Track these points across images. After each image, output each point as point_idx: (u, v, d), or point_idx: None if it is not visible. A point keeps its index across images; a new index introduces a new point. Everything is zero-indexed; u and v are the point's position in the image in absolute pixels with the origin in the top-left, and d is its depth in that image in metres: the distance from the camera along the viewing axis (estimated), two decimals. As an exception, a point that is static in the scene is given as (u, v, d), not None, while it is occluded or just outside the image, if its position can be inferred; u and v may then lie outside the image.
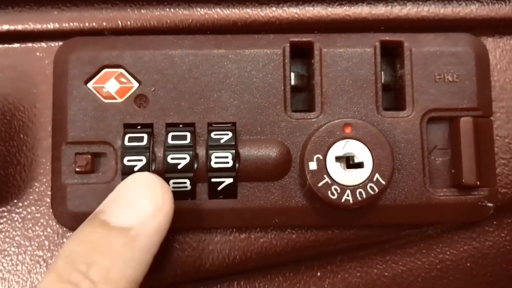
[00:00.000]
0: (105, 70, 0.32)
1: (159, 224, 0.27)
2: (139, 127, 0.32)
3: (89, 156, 0.32)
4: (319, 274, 0.34)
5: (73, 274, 0.24)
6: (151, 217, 0.27)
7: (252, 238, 0.33)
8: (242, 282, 0.34)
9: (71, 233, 0.32)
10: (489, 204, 0.33)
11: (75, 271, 0.24)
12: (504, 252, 0.34)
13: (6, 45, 0.34)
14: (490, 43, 0.35)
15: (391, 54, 0.34)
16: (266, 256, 0.33)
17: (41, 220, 0.33)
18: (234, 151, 0.31)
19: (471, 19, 0.34)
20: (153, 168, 0.31)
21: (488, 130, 0.33)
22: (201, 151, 0.31)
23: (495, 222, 0.35)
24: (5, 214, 0.33)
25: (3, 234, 0.33)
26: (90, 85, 0.32)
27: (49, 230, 0.33)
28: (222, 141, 0.31)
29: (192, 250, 0.32)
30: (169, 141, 0.31)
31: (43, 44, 0.34)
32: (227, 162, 0.31)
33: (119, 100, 0.32)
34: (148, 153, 0.31)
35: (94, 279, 0.24)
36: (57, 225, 0.33)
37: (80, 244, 0.26)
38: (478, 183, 0.32)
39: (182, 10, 0.33)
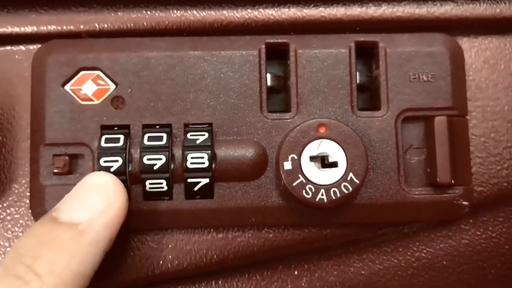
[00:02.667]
0: (82, 72, 0.32)
1: (109, 219, 0.28)
2: (115, 128, 0.32)
3: (66, 157, 0.32)
4: (296, 272, 0.34)
5: (18, 267, 0.25)
6: (101, 213, 0.28)
7: (229, 237, 0.33)
8: (220, 281, 0.34)
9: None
10: (464, 203, 0.33)
11: (20, 264, 0.25)
12: (480, 250, 0.35)
13: (-16, 49, 0.34)
14: (465, 42, 0.35)
15: (367, 55, 0.34)
16: (243, 255, 0.33)
17: (20, 221, 0.33)
18: (210, 151, 0.31)
19: (446, 19, 0.34)
20: (129, 169, 0.31)
21: (463, 129, 0.33)
22: (178, 152, 0.31)
23: (471, 220, 0.35)
24: (-15, 215, 0.33)
25: (-17, 235, 0.33)
26: (67, 87, 0.32)
27: (28, 231, 0.33)
28: (198, 141, 0.31)
29: (169, 250, 0.33)
30: (145, 142, 0.31)
31: (21, 47, 0.34)
32: (203, 163, 0.31)
33: (96, 101, 0.32)
34: (124, 154, 0.31)
35: (39, 271, 0.25)
36: (36, 226, 0.33)
37: (28, 238, 0.27)
38: (452, 182, 0.32)
39: (158, 12, 0.34)
